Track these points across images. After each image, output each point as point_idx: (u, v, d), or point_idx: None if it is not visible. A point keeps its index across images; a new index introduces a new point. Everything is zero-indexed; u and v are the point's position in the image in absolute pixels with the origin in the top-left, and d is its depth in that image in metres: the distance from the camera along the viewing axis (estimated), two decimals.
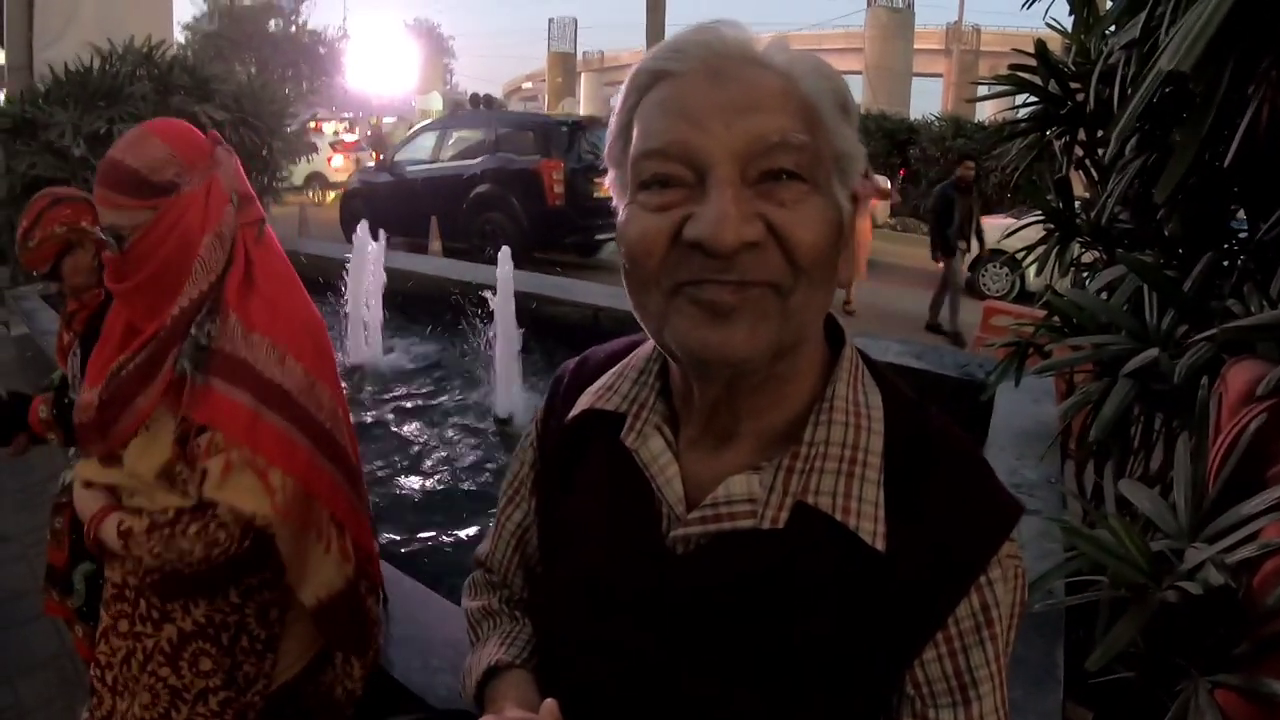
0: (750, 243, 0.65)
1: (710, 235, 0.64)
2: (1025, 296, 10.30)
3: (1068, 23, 2.67)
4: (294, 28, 40.15)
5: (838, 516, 0.73)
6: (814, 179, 0.69)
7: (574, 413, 0.89)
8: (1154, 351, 1.82)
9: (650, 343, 0.87)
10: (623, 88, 0.75)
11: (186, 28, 36.08)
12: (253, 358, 1.42)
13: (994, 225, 10.40)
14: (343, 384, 1.66)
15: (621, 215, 0.73)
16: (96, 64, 6.65)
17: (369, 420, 4.52)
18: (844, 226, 0.72)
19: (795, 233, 0.66)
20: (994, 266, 11.03)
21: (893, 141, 17.79)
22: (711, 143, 0.66)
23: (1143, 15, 1.80)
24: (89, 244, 2.11)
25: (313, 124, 20.75)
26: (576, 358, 0.99)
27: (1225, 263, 2.00)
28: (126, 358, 1.43)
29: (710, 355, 0.68)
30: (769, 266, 0.66)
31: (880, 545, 0.72)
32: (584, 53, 45.14)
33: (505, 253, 4.92)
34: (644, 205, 0.69)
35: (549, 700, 0.75)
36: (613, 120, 0.76)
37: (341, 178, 18.40)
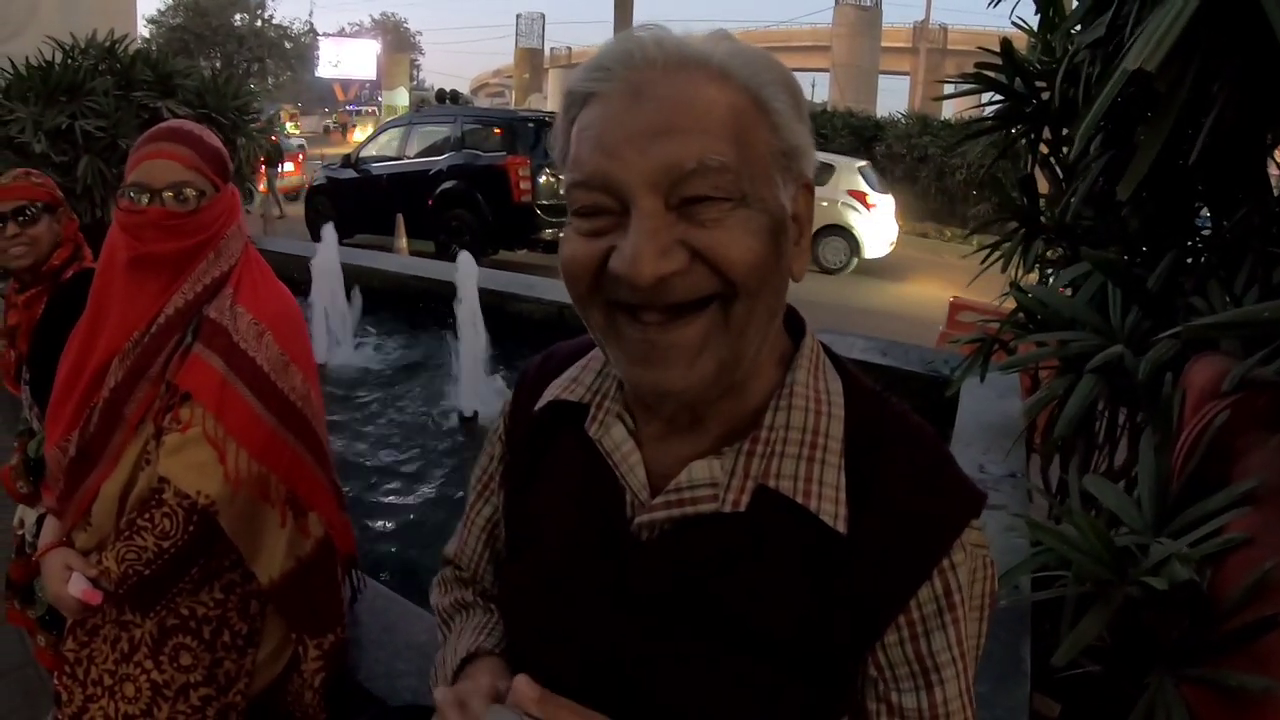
0: (672, 273, 0.65)
1: (627, 273, 0.65)
2: (864, 267, 11.81)
3: (1034, 22, 2.69)
4: (260, 22, 39.70)
5: (798, 499, 0.73)
6: (737, 193, 0.67)
7: (539, 404, 0.89)
8: (1118, 348, 1.83)
9: None
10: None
11: (151, 21, 35.62)
12: (233, 327, 1.54)
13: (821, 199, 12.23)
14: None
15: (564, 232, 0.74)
16: (58, 58, 6.48)
17: (334, 419, 4.45)
18: (784, 227, 0.70)
19: (721, 252, 0.66)
20: (833, 240, 12.02)
21: (859, 139, 17.87)
22: (628, 173, 0.65)
23: (1108, 14, 1.82)
24: (63, 218, 2.14)
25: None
26: (542, 353, 0.99)
27: (1189, 260, 2.02)
28: (140, 333, 1.52)
29: (648, 392, 0.70)
30: (699, 285, 0.66)
31: (841, 527, 0.72)
32: (552, 49, 45.04)
33: (465, 255, 4.90)
34: (577, 230, 0.70)
35: (521, 675, 0.73)
36: (558, 141, 0.76)
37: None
